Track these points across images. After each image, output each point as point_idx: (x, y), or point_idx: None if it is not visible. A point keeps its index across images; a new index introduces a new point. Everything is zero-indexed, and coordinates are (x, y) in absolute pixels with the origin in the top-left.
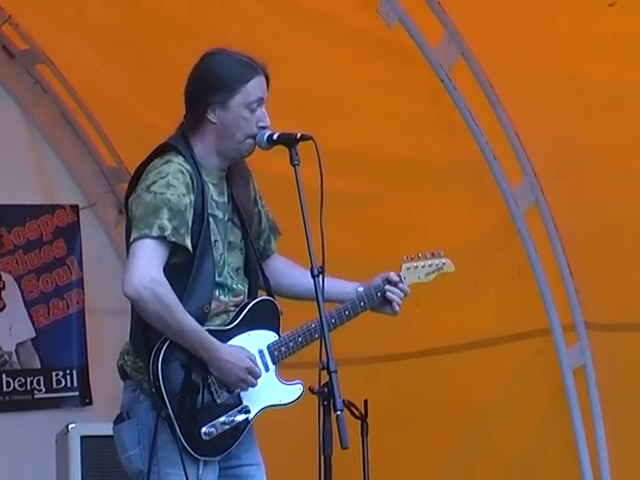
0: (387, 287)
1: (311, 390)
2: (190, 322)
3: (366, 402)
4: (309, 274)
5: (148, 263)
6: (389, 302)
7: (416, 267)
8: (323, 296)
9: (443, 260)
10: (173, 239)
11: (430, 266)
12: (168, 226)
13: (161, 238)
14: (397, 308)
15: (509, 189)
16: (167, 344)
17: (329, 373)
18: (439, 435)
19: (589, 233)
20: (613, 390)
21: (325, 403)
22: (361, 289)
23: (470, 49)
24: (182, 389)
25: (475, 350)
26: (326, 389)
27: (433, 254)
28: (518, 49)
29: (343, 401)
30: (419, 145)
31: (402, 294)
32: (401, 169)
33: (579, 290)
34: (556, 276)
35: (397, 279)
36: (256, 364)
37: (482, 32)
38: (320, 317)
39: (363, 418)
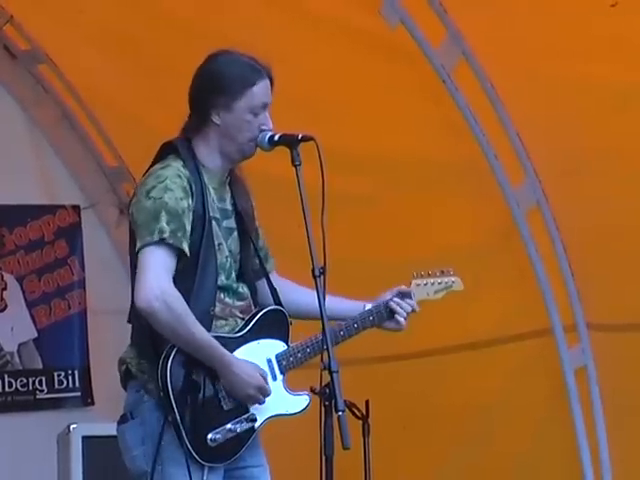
0: (394, 299)
1: (313, 390)
2: (202, 333)
3: (367, 402)
4: (311, 293)
5: (157, 273)
6: (394, 318)
7: (425, 284)
8: (324, 297)
9: (452, 278)
10: (171, 241)
11: (440, 284)
12: (166, 229)
13: (161, 241)
14: (402, 321)
15: (510, 189)
16: (176, 350)
17: (330, 373)
18: (441, 435)
19: (590, 233)
20: (614, 391)
21: (327, 403)
22: (369, 306)
23: (471, 50)
24: (190, 395)
25: (476, 350)
26: (327, 389)
27: (442, 272)
28: (519, 50)
29: (345, 401)
30: (420, 146)
31: (410, 309)
32: (402, 170)
33: (580, 291)
34: (557, 276)
35: (407, 291)
36: (267, 382)
37: (483, 33)
38: (322, 318)
39: (365, 418)
